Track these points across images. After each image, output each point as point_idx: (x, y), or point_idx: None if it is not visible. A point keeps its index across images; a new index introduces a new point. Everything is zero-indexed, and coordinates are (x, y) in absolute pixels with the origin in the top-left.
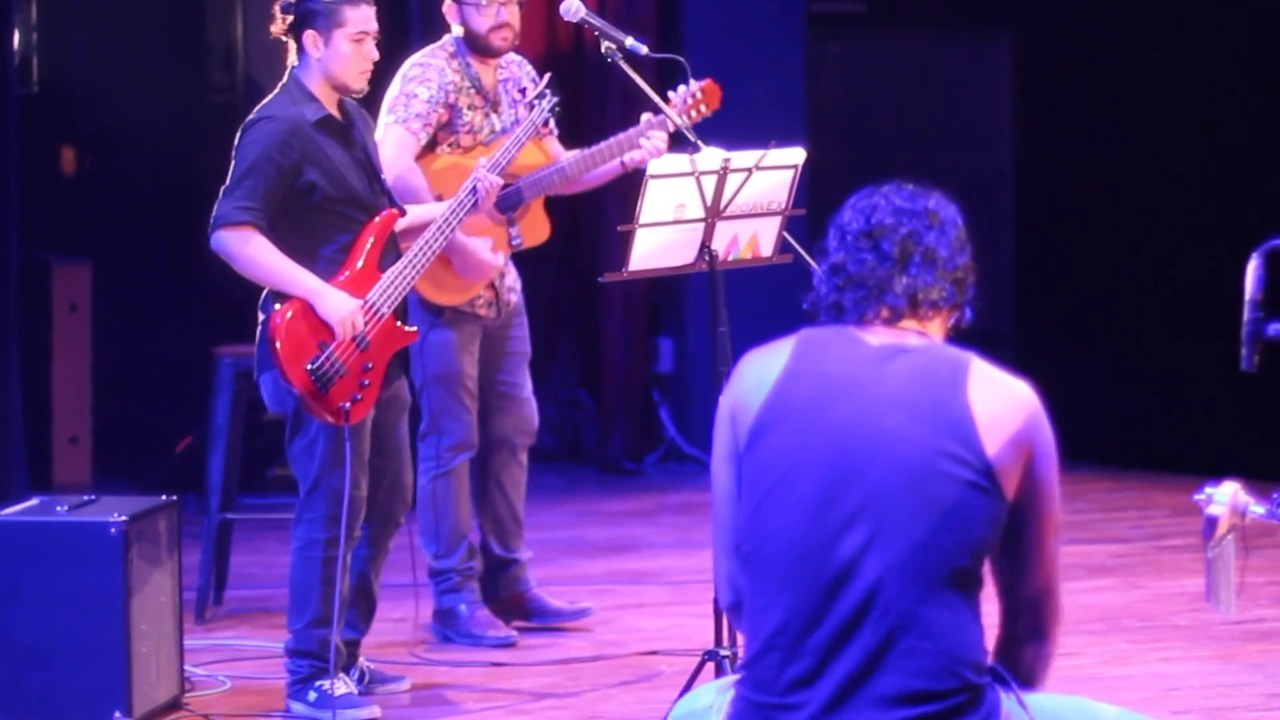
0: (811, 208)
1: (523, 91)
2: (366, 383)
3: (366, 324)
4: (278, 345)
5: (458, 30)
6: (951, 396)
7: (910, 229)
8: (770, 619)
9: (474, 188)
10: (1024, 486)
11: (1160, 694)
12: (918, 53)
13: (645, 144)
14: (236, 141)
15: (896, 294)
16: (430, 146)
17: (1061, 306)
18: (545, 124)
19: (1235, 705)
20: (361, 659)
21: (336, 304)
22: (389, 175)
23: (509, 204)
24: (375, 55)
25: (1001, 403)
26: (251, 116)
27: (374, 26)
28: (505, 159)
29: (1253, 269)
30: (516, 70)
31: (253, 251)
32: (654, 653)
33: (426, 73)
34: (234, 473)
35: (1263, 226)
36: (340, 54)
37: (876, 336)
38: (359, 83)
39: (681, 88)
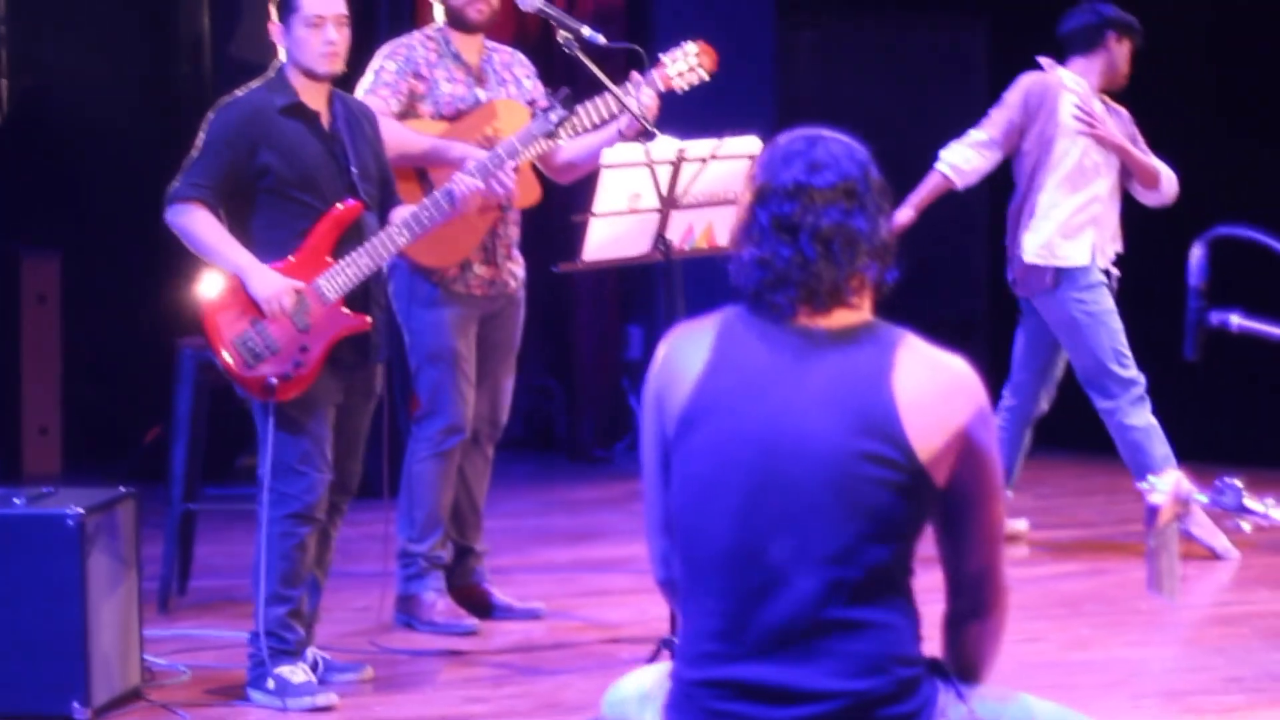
0: None
1: (516, 80)
2: (300, 362)
3: (307, 306)
4: (205, 318)
5: (438, 8)
6: (875, 390)
7: (830, 220)
8: (704, 624)
9: (450, 191)
10: (958, 468)
11: (1119, 679)
12: (893, 39)
13: (637, 102)
14: (204, 122)
15: (822, 289)
16: (410, 117)
17: None
18: (549, 136)
19: (1194, 689)
20: (313, 649)
21: (264, 281)
22: None
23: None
24: (335, 37)
25: (930, 386)
26: (223, 100)
27: (335, 10)
28: (494, 164)
29: (1195, 257)
30: (508, 57)
31: (193, 224)
32: (615, 640)
33: (395, 49)
34: (197, 463)
35: (1235, 212)
36: (299, 39)
37: (803, 324)
38: (323, 65)
39: (675, 49)
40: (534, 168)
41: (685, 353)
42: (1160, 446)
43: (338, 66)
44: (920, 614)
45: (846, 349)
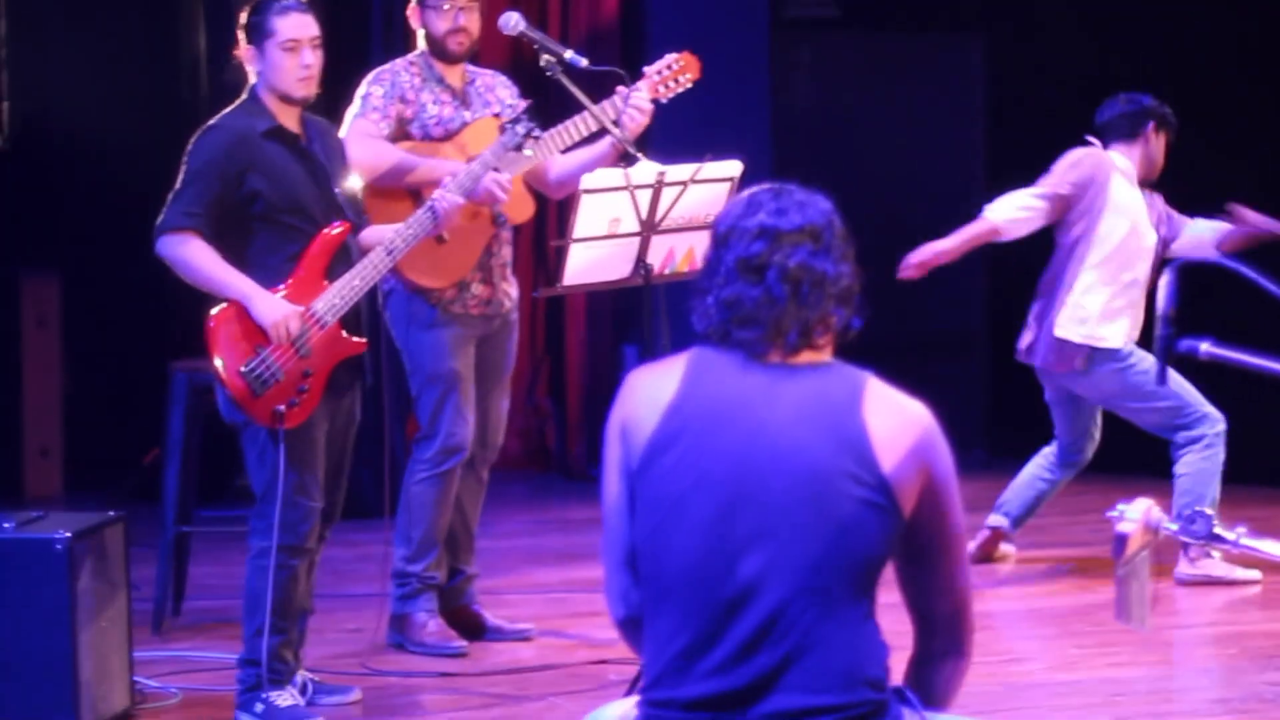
0: None
1: (499, 101)
2: (305, 388)
3: (308, 331)
4: (212, 347)
5: (421, 36)
6: (847, 414)
7: (798, 260)
8: (672, 643)
9: (433, 207)
10: (923, 504)
11: (1105, 699)
12: (889, 56)
13: (631, 114)
14: (187, 149)
15: (790, 330)
16: (401, 140)
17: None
18: (518, 148)
19: (1179, 710)
20: (303, 671)
21: (269, 307)
22: (355, 157)
23: None
24: (311, 60)
25: (897, 421)
26: (204, 125)
27: (309, 33)
28: (470, 181)
29: (1164, 285)
30: (490, 80)
31: (190, 255)
32: (603, 662)
33: (380, 76)
34: (190, 486)
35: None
36: (274, 63)
37: (772, 360)
38: (299, 90)
39: (659, 60)
40: (527, 184)
41: (652, 386)
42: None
43: (313, 90)
44: (885, 642)
45: (814, 378)
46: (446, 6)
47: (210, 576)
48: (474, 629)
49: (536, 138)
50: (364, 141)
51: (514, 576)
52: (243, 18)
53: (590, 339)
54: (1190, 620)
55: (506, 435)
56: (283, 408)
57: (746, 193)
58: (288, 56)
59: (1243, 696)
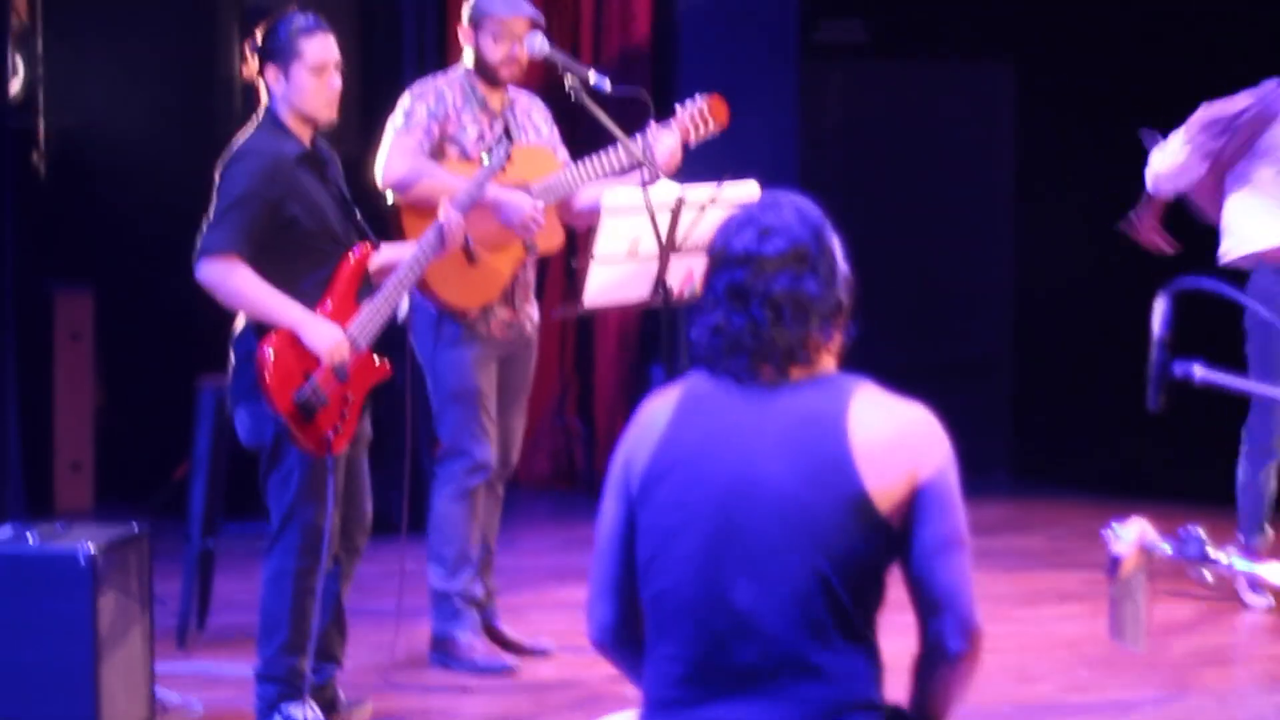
0: None
1: (534, 126)
2: (346, 413)
3: (346, 357)
4: (266, 374)
5: (468, 53)
6: (830, 434)
7: (780, 287)
8: (669, 670)
9: (439, 227)
10: (915, 510)
11: None
12: (919, 81)
13: (661, 153)
14: (219, 174)
15: (776, 354)
16: (438, 159)
17: (1061, 334)
18: (502, 169)
19: None
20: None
21: (323, 333)
22: (391, 172)
23: None
24: (338, 84)
25: (884, 433)
26: (234, 150)
27: (335, 56)
28: (468, 200)
29: (1159, 309)
30: (528, 104)
31: (239, 282)
32: (621, 679)
33: (424, 92)
34: (217, 500)
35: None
36: (301, 86)
37: (759, 382)
38: (325, 113)
39: (689, 101)
40: (555, 211)
41: (651, 416)
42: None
43: (336, 113)
44: (883, 660)
45: (803, 396)
46: (503, 34)
47: (237, 591)
48: (496, 644)
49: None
50: (403, 157)
51: (538, 594)
52: (259, 37)
53: (619, 359)
54: (1200, 644)
55: (536, 454)
56: (331, 434)
57: (740, 208)
58: (316, 80)
59: (1249, 719)
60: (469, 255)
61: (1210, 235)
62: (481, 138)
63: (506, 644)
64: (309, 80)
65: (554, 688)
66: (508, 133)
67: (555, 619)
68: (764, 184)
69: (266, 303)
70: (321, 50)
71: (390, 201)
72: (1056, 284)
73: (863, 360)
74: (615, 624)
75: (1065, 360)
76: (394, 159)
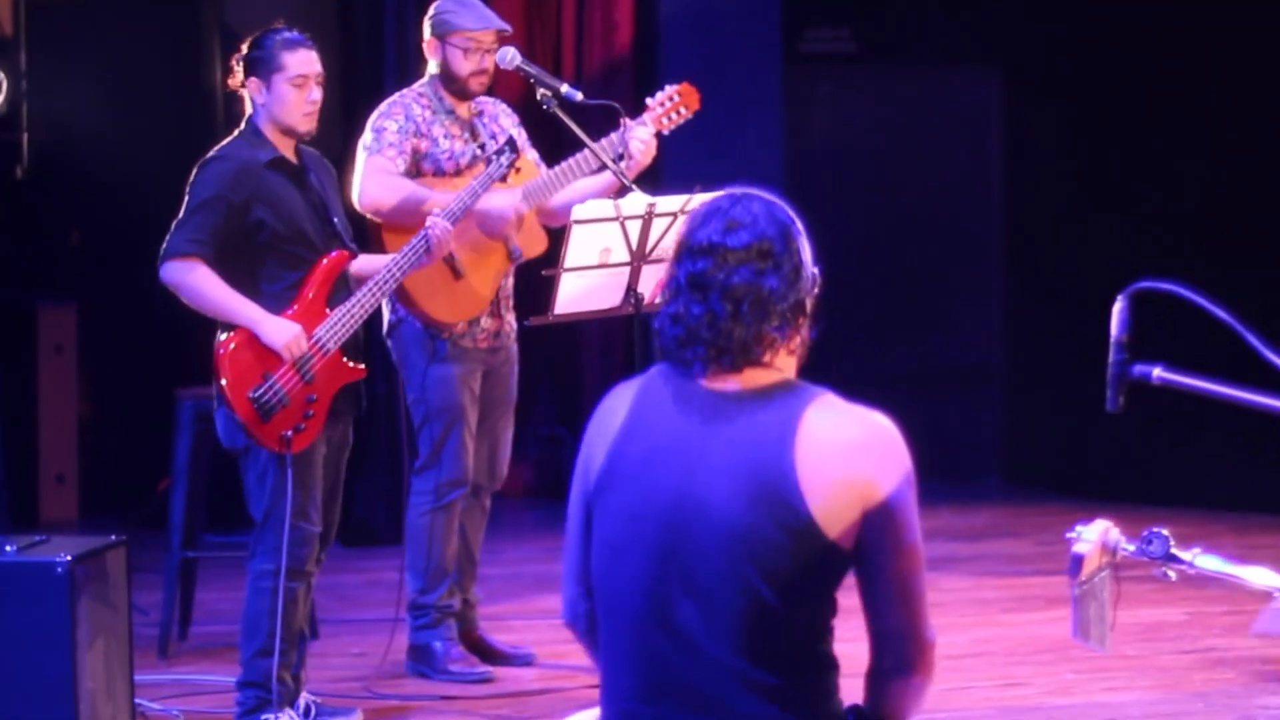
0: None
1: (503, 131)
2: (310, 413)
3: (312, 357)
4: (222, 373)
5: (434, 66)
6: (776, 457)
7: (740, 279)
8: (621, 683)
9: (425, 235)
10: (866, 528)
11: None
12: (907, 90)
13: (635, 145)
14: (191, 179)
15: (729, 348)
16: (414, 177)
17: (1051, 341)
18: (502, 179)
19: None
20: (305, 694)
21: (278, 330)
22: (370, 195)
23: None
24: (318, 97)
25: (833, 448)
26: (206, 156)
27: (316, 70)
28: (460, 208)
29: (1118, 311)
30: (493, 109)
31: (197, 282)
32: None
33: (393, 109)
34: (197, 511)
35: (1253, 256)
36: (281, 98)
37: (715, 384)
38: (304, 125)
39: (660, 92)
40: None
41: (611, 411)
42: None
43: (314, 125)
44: (838, 670)
45: (754, 411)
46: (473, 48)
47: (219, 601)
48: (477, 653)
49: (518, 169)
50: (379, 178)
51: (520, 603)
52: (245, 49)
53: (604, 368)
54: (1189, 645)
55: (521, 464)
56: (290, 433)
57: (708, 201)
58: (296, 92)
59: None
60: (454, 270)
61: None
62: (451, 153)
63: (489, 652)
64: (289, 92)
65: (535, 695)
66: (511, 142)
67: (538, 627)
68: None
69: (226, 303)
70: (303, 63)
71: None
72: (1047, 290)
73: (852, 366)
74: (584, 609)
75: (1056, 366)
76: (370, 181)
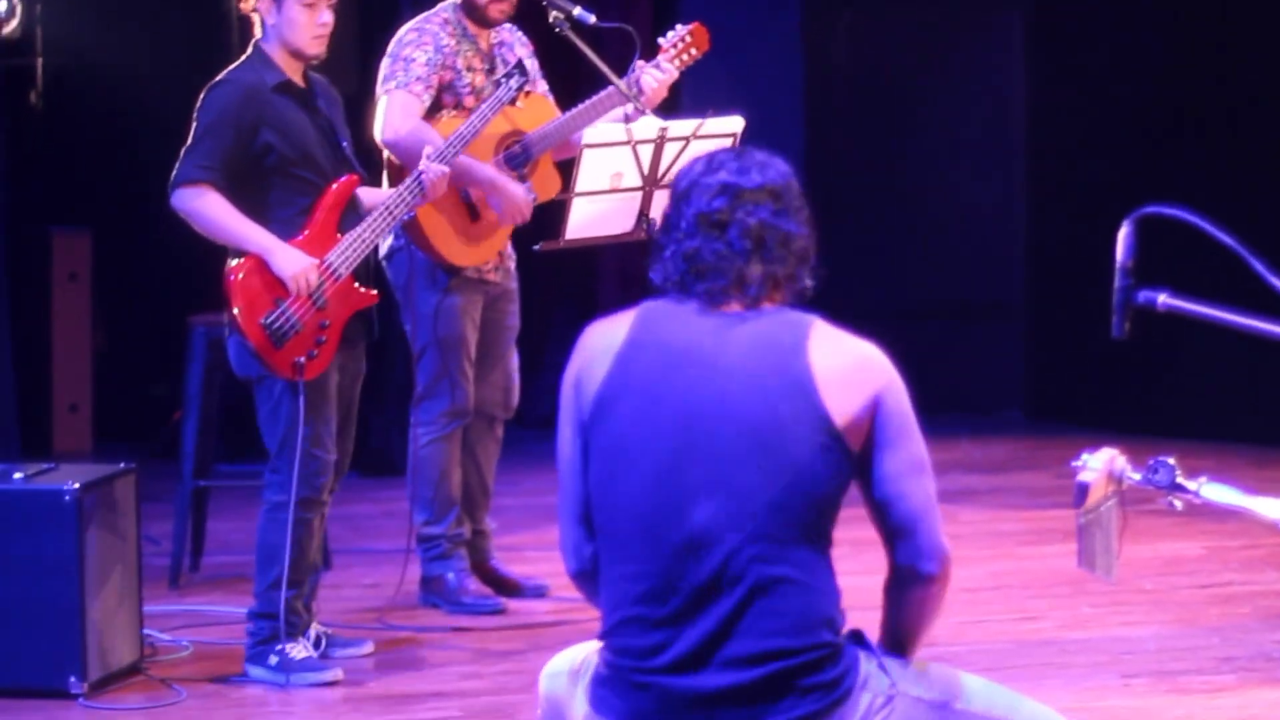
0: (813, 177)
1: (514, 57)
2: (323, 339)
3: (323, 283)
4: (233, 300)
5: None
6: (793, 358)
7: (759, 218)
8: (626, 590)
9: (419, 179)
10: (876, 434)
11: (1113, 658)
12: (930, 20)
13: (648, 81)
14: (198, 104)
15: (753, 283)
16: (434, 109)
17: (1073, 277)
18: (512, 102)
19: (1186, 669)
20: (316, 624)
21: (289, 260)
22: (395, 136)
23: (518, 161)
24: (328, 20)
25: (841, 360)
26: (213, 81)
27: None
28: (460, 144)
29: (1123, 236)
30: (509, 36)
31: (207, 208)
32: None
33: (422, 38)
34: (209, 440)
35: (1274, 191)
36: (292, 19)
37: (722, 309)
38: (313, 48)
39: (671, 32)
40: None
41: (603, 339)
42: None
43: (324, 49)
44: (839, 585)
45: (763, 323)
46: None
47: (232, 532)
48: (493, 584)
49: (528, 92)
50: (405, 120)
51: (535, 533)
52: None
53: (621, 299)
54: (1205, 580)
55: (539, 395)
56: (303, 359)
57: (706, 152)
58: (306, 13)
59: (1250, 655)
60: (471, 210)
61: None
62: (472, 87)
63: (502, 583)
64: (300, 14)
65: (548, 627)
66: (520, 65)
67: (554, 559)
68: (769, 127)
69: (237, 229)
70: None
71: (386, 155)
72: (1069, 223)
73: (875, 299)
74: (589, 551)
75: (1078, 298)
76: (396, 118)
